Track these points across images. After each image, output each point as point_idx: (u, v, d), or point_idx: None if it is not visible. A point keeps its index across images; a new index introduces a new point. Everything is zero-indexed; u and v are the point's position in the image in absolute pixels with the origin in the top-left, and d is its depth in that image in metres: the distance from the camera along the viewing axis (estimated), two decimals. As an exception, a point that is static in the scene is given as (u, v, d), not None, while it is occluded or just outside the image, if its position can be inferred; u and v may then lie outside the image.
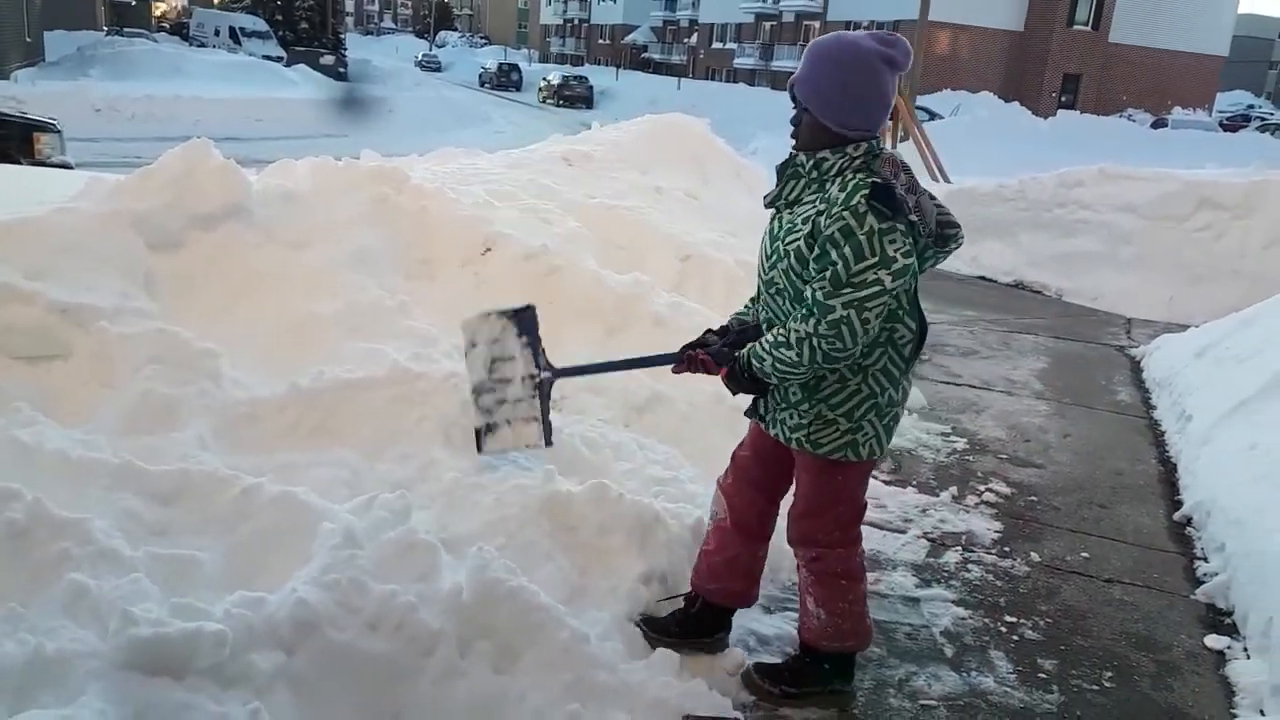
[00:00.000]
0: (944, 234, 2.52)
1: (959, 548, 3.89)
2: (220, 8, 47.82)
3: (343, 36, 47.84)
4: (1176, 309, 8.43)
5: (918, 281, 2.52)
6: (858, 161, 2.40)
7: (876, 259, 2.30)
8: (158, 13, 51.63)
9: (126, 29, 38.29)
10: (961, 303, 8.56)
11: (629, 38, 67.57)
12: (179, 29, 44.92)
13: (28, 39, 26.59)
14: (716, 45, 57.47)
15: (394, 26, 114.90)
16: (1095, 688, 3.04)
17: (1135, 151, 19.23)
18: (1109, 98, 41.18)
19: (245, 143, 16.52)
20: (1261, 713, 2.90)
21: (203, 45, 36.14)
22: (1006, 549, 3.92)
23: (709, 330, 2.84)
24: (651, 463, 3.79)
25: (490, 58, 65.01)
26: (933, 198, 2.53)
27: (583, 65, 62.60)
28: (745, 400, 2.74)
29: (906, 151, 13.10)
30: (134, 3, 44.78)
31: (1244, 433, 4.45)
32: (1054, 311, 8.73)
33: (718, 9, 56.38)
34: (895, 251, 2.31)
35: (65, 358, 3.53)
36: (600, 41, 73.29)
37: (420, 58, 66.05)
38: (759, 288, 2.64)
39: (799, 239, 2.41)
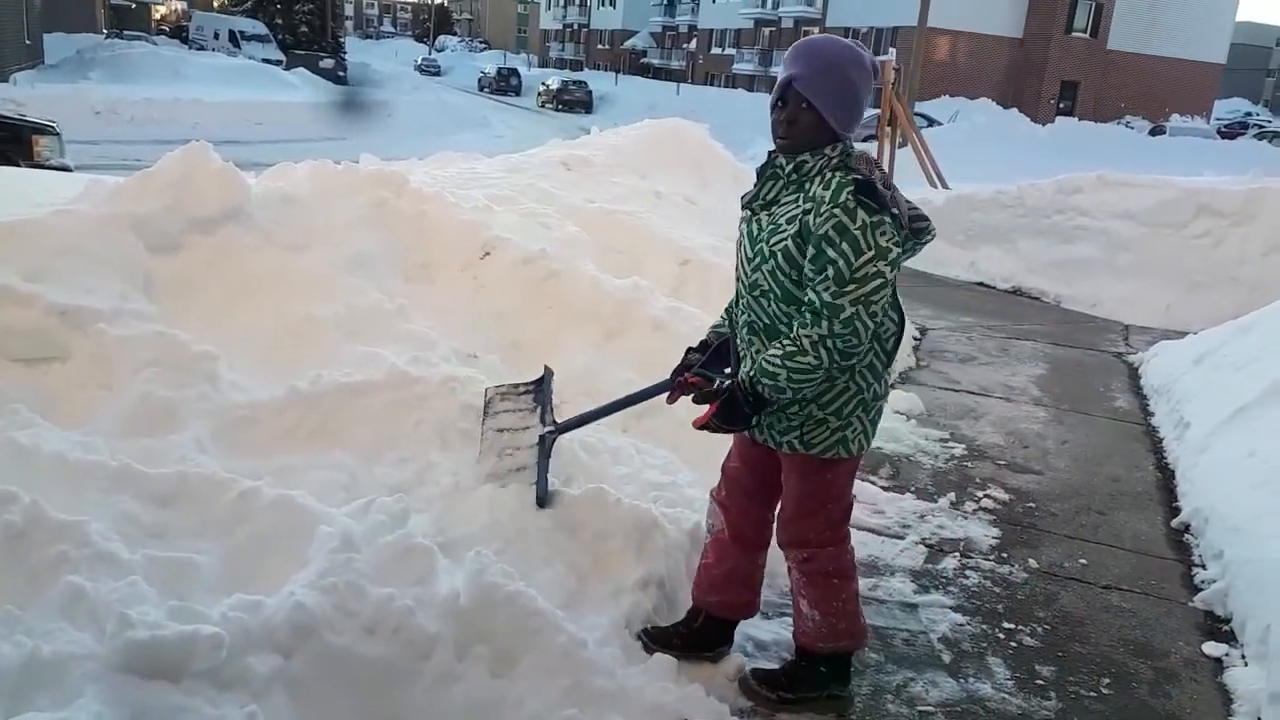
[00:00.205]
0: (915, 227, 2.52)
1: (957, 554, 3.88)
2: (220, 11, 47.88)
3: (342, 40, 47.83)
4: (1175, 316, 8.43)
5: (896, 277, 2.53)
6: (835, 161, 2.43)
7: (874, 252, 2.32)
8: (157, 16, 51.67)
9: (126, 32, 38.37)
10: (960, 309, 8.56)
11: (628, 43, 67.68)
12: (178, 32, 44.90)
13: (27, 41, 26.63)
14: (715, 51, 57.58)
15: (393, 31, 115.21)
16: (1093, 694, 3.04)
17: (1133, 158, 19.29)
18: (1107, 105, 41.26)
19: (244, 146, 16.54)
20: (1259, 720, 2.90)
21: (202, 48, 36.16)
22: (1004, 555, 3.92)
23: (689, 349, 2.84)
24: (649, 467, 3.79)
25: (489, 62, 65.14)
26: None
27: (582, 70, 62.64)
28: None
29: (905, 158, 13.13)
30: (133, 6, 44.87)
31: (1242, 440, 4.45)
32: (1052, 318, 8.73)
33: (717, 14, 56.51)
34: (888, 242, 2.35)
35: (64, 360, 3.52)
36: (599, 47, 73.40)
37: (420, 62, 66.19)
38: (738, 292, 2.64)
39: (785, 239, 2.42)
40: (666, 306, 4.80)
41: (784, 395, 2.45)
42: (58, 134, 9.74)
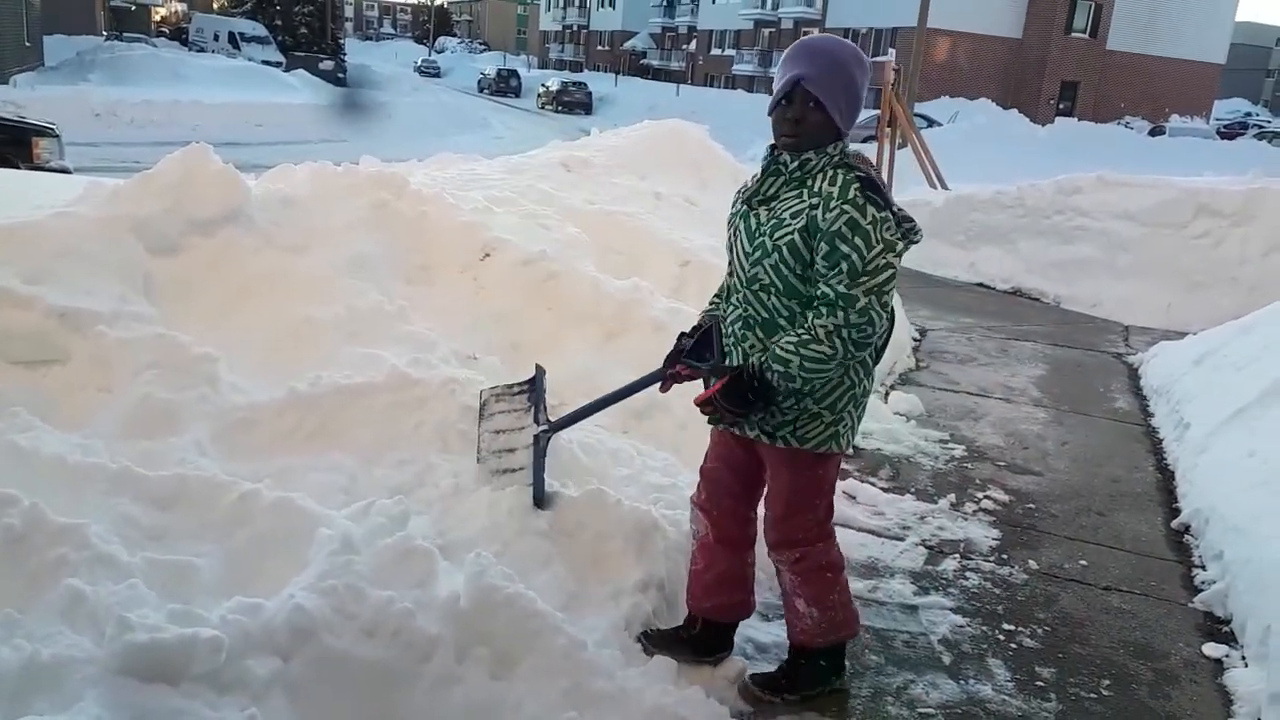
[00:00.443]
0: (904, 228, 2.54)
1: (957, 555, 3.88)
2: (220, 13, 47.87)
3: (342, 42, 47.80)
4: (1175, 316, 8.44)
5: None
6: (836, 159, 2.49)
7: (883, 245, 2.40)
8: (157, 18, 51.62)
9: (126, 34, 38.40)
10: (959, 309, 8.56)
11: (628, 44, 67.73)
12: (178, 34, 44.92)
13: (27, 43, 26.66)
14: (715, 52, 57.62)
15: (393, 32, 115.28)
16: (1093, 696, 3.04)
17: (1133, 159, 19.29)
18: (1107, 105, 41.28)
19: (244, 148, 16.56)
20: (1259, 721, 2.90)
21: (202, 50, 36.18)
22: (1004, 556, 3.92)
23: (682, 334, 2.82)
24: (649, 469, 3.79)
25: (489, 63, 65.18)
26: None
27: (582, 71, 62.67)
28: None
29: (905, 158, 13.13)
30: (133, 8, 44.87)
31: (1242, 440, 4.45)
32: (1052, 319, 8.74)
33: (716, 15, 56.55)
34: (893, 236, 2.43)
35: (63, 362, 3.52)
36: (599, 48, 73.45)
37: (419, 63, 66.20)
38: (734, 284, 2.63)
39: (791, 234, 2.45)
40: (666, 307, 4.79)
41: (793, 384, 2.47)
42: (57, 136, 9.75)
